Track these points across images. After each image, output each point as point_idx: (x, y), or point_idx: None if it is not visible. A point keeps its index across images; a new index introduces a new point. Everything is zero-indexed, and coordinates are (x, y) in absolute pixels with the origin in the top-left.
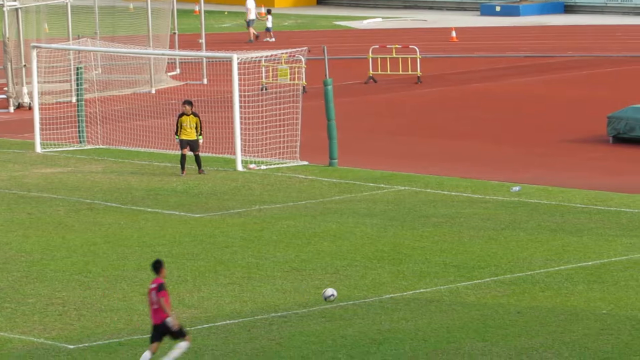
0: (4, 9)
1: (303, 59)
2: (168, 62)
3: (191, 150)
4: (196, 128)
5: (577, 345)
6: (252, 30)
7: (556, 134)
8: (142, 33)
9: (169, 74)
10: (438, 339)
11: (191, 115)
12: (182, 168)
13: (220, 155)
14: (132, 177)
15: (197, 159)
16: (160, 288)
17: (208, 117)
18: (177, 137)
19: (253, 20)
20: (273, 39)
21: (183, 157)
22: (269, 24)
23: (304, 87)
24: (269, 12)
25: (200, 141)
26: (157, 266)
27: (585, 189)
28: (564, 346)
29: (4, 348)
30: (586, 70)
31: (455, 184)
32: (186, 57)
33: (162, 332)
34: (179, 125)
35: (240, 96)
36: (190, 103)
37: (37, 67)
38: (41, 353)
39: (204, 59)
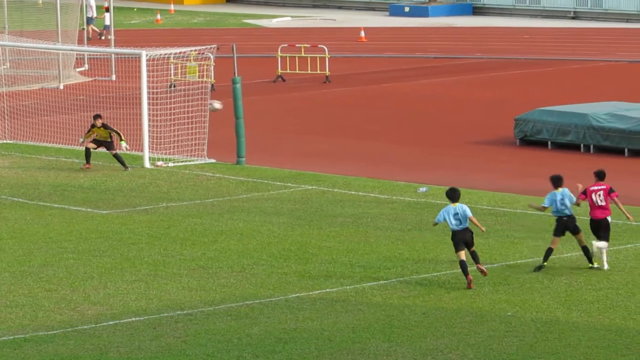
0: None
1: (212, 57)
2: (77, 58)
3: (107, 149)
4: (110, 137)
5: (482, 346)
6: (92, 28)
7: (464, 136)
8: (50, 28)
9: (78, 69)
10: (343, 339)
11: (101, 128)
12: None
13: (128, 152)
14: (39, 173)
15: (118, 157)
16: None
17: (116, 114)
18: (83, 138)
19: (93, 18)
20: (111, 37)
21: (87, 150)
22: (107, 22)
23: (212, 85)
24: (107, 9)
25: (124, 145)
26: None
27: (491, 191)
28: (469, 348)
29: None
30: (494, 72)
31: (363, 184)
32: (95, 53)
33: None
34: (89, 132)
35: (148, 93)
36: (99, 116)
37: None
38: None
39: (113, 55)
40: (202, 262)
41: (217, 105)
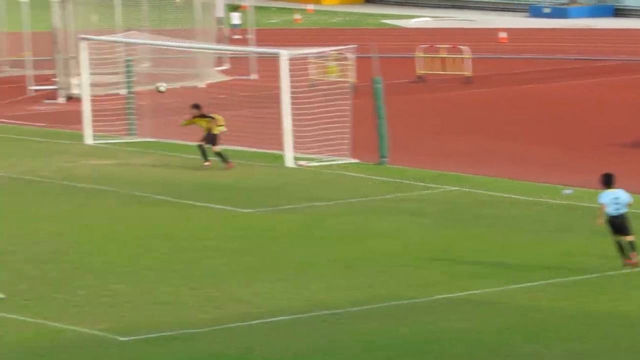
0: (53, 0)
1: (352, 57)
2: (217, 57)
3: (212, 144)
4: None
5: (635, 350)
6: (223, 28)
7: (608, 137)
8: (190, 26)
9: (218, 68)
10: (490, 341)
11: (200, 118)
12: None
13: (269, 151)
14: (181, 171)
15: (219, 155)
16: None
17: (257, 113)
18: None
19: (220, 17)
20: (250, 36)
21: (202, 148)
22: (236, 21)
23: (352, 85)
24: (237, 9)
25: (223, 130)
26: None
27: (637, 194)
28: (620, 352)
29: (55, 338)
30: (638, 75)
31: (505, 185)
32: (235, 53)
33: None
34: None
35: (289, 92)
36: (197, 106)
37: (86, 59)
38: (92, 344)
39: (253, 54)
40: (347, 262)
41: (163, 88)
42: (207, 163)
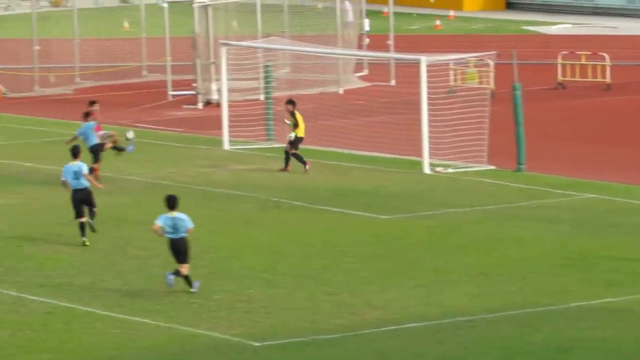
0: (194, 5)
1: (491, 63)
2: (356, 63)
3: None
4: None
5: None
6: (350, 32)
7: None
8: (330, 33)
9: (357, 74)
10: (627, 350)
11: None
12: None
13: (407, 157)
14: (319, 177)
15: (296, 156)
16: None
17: (395, 119)
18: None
19: (350, 22)
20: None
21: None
22: (367, 27)
23: (492, 91)
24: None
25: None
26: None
27: None
28: None
29: (190, 343)
30: None
31: None
32: (374, 58)
33: None
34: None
35: (428, 99)
36: (292, 102)
37: (226, 65)
38: (227, 349)
39: (392, 61)
40: (483, 268)
41: (130, 135)
42: (308, 166)
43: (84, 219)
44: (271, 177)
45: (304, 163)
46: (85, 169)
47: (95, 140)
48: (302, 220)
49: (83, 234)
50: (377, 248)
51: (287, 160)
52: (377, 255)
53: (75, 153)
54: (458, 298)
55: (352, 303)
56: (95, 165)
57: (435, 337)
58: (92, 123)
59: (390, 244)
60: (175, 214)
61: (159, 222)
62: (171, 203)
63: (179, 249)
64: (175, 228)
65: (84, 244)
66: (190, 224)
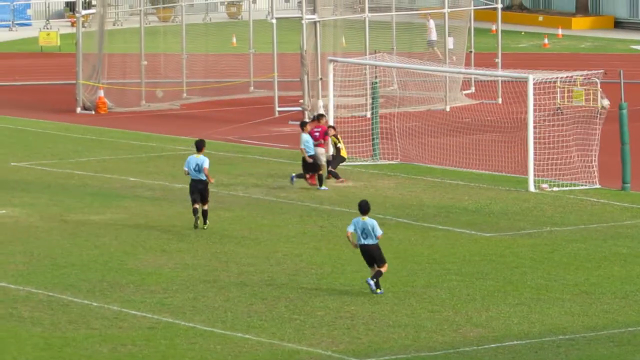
0: (302, 22)
1: (598, 82)
2: (463, 80)
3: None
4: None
5: None
6: (435, 50)
7: None
8: (440, 50)
9: (464, 92)
10: None
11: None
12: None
13: (513, 175)
14: (424, 194)
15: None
16: None
17: (501, 137)
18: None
19: (434, 40)
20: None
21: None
22: (450, 45)
23: (599, 110)
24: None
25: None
26: None
27: None
28: None
29: (291, 359)
30: None
31: None
32: (481, 76)
33: None
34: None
35: (534, 117)
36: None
37: (333, 81)
38: None
39: (500, 79)
40: (585, 287)
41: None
42: (340, 180)
43: (197, 206)
44: (377, 193)
45: (337, 177)
46: (206, 163)
47: (312, 151)
48: (406, 237)
49: (196, 215)
50: (480, 265)
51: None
52: (480, 272)
53: (199, 147)
54: (560, 316)
55: (454, 320)
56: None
57: (536, 355)
58: (306, 135)
59: (493, 262)
60: (367, 219)
61: (350, 228)
62: (364, 208)
63: (372, 255)
64: (366, 233)
65: (195, 225)
66: (379, 231)
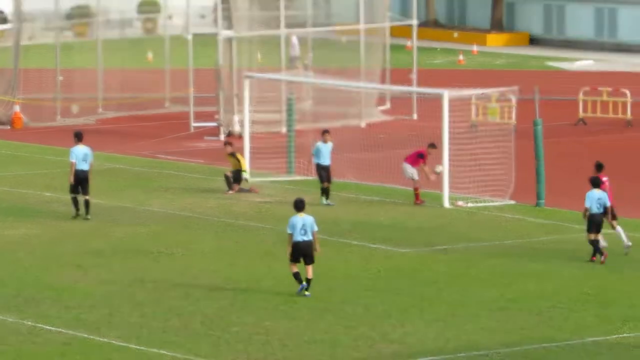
0: (218, 37)
1: (513, 98)
2: (378, 96)
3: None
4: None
5: None
6: (297, 65)
7: None
8: (354, 66)
9: (379, 108)
10: None
11: (230, 156)
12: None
13: (428, 191)
14: (339, 209)
15: (227, 179)
16: None
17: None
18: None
19: (297, 57)
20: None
21: (226, 176)
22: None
23: (514, 127)
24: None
25: (245, 176)
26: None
27: None
28: None
29: None
30: None
31: None
32: (397, 92)
33: None
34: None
35: (450, 133)
36: (229, 144)
37: (249, 96)
38: None
39: (414, 95)
40: (501, 303)
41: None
42: (230, 191)
43: (78, 196)
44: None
45: (230, 188)
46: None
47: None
48: (322, 253)
49: (76, 205)
50: (396, 281)
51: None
52: (396, 288)
53: (79, 138)
54: (475, 332)
55: (370, 336)
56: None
57: None
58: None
59: (409, 278)
60: (305, 215)
61: (290, 230)
62: (300, 205)
63: (307, 252)
64: (305, 229)
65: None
66: (316, 227)
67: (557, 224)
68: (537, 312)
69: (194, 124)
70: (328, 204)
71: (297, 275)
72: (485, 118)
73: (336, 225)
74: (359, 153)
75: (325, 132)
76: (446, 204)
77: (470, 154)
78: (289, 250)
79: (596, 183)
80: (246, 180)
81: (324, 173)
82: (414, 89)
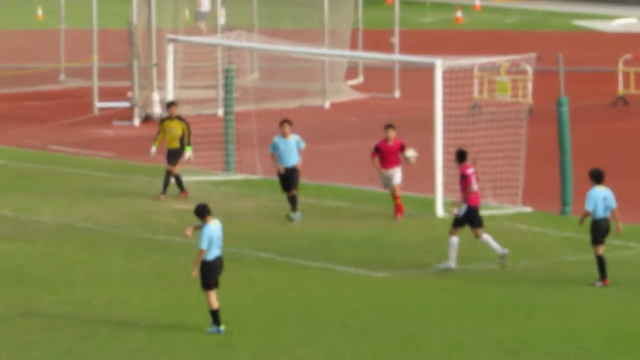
0: None
1: (529, 70)
2: (348, 67)
3: (169, 163)
4: (182, 138)
5: None
6: (201, 25)
7: None
8: (314, 27)
9: (349, 82)
10: None
11: (176, 120)
12: (164, 189)
13: (415, 195)
14: (283, 220)
15: (177, 178)
16: None
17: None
18: (153, 145)
19: (205, 12)
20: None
21: (168, 174)
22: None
23: (529, 108)
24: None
25: (188, 155)
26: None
27: None
28: None
29: None
30: None
31: None
32: (372, 62)
33: None
34: (160, 132)
35: (443, 117)
36: (174, 104)
37: (173, 68)
38: None
39: (397, 65)
40: (511, 343)
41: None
42: (183, 194)
43: None
44: (230, 219)
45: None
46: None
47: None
48: (272, 278)
49: None
50: (370, 317)
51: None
52: (371, 326)
53: None
54: None
55: None
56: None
57: None
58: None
59: (388, 311)
60: (218, 223)
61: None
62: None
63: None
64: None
65: None
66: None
67: (587, 239)
68: (561, 355)
69: (98, 104)
70: (296, 219)
71: (216, 314)
72: (492, 96)
73: (290, 241)
74: (322, 144)
75: (284, 123)
76: (439, 211)
77: (471, 144)
78: (196, 271)
79: (598, 177)
80: (189, 159)
81: (286, 179)
82: (396, 57)
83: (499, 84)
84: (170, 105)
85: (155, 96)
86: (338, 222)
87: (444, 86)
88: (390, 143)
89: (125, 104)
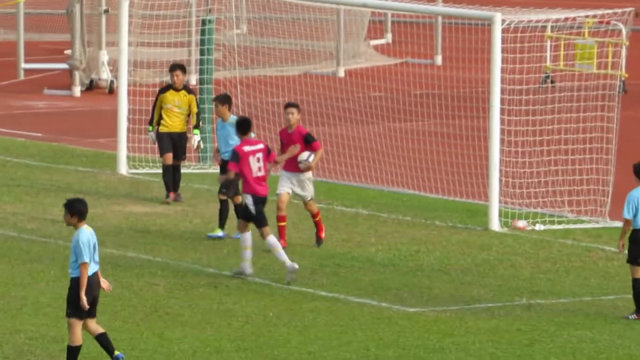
0: None
1: (624, 30)
2: (370, 22)
3: (175, 155)
4: (189, 115)
5: None
6: None
7: None
8: None
9: (372, 42)
10: None
11: (182, 91)
12: (168, 189)
13: (460, 201)
14: (296, 232)
15: (176, 174)
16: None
17: (439, 129)
18: (150, 128)
19: None
20: None
21: (167, 169)
22: None
23: (622, 83)
24: None
25: (196, 140)
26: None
27: None
28: None
29: None
30: None
31: None
32: (406, 14)
33: None
34: (156, 108)
35: (502, 92)
36: (181, 68)
37: (128, 16)
38: None
39: (439, 20)
40: None
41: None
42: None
43: None
44: (204, 226)
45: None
46: None
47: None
48: (260, 311)
49: None
50: None
51: None
52: None
53: None
54: None
55: None
56: None
57: None
58: None
59: (417, 358)
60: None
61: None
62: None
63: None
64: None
65: None
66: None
67: None
68: None
69: (24, 66)
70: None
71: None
72: (571, 65)
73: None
74: (333, 127)
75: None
76: (494, 225)
77: (540, 131)
78: (81, 294)
79: None
80: (199, 147)
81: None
82: (439, 8)
83: (581, 48)
84: (174, 68)
85: (104, 56)
86: (354, 235)
87: (505, 51)
88: (291, 130)
89: (61, 66)
